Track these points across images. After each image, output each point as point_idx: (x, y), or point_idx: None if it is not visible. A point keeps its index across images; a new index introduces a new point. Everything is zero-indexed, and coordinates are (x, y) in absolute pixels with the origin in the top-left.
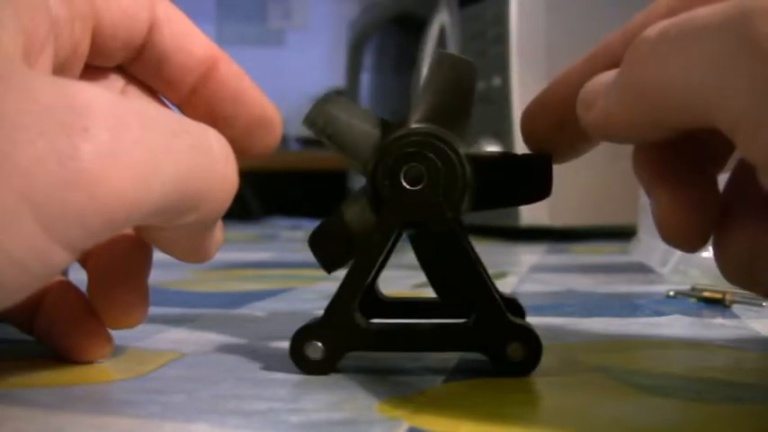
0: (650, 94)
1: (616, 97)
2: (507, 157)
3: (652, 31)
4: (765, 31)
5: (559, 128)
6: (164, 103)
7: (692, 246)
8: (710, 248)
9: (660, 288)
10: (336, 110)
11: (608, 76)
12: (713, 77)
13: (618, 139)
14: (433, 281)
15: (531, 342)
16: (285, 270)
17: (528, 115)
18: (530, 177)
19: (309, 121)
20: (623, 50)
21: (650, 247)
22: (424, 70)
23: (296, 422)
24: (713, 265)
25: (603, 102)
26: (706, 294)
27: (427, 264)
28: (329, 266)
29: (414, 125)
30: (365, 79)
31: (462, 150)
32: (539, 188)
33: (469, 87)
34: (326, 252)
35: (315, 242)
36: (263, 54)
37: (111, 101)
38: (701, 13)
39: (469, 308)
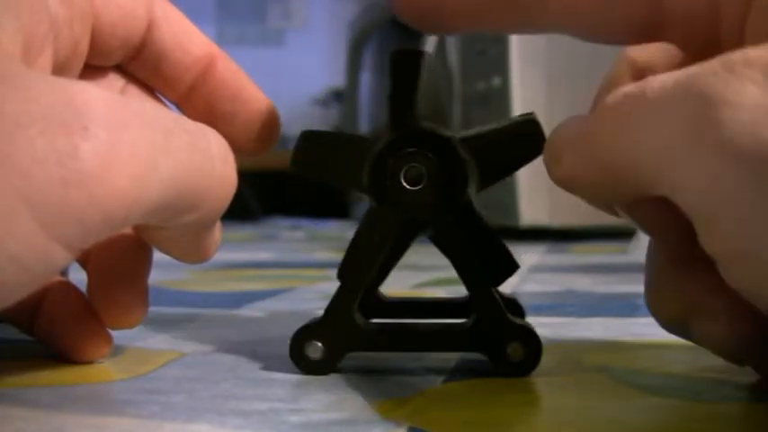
0: (610, 168)
1: (580, 161)
2: (498, 132)
3: (611, 98)
4: (732, 126)
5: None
6: (162, 102)
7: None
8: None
9: None
10: (313, 146)
11: (574, 125)
12: (668, 163)
13: (582, 197)
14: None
15: (531, 342)
16: (285, 270)
17: None
18: (523, 142)
19: (294, 165)
20: None
21: None
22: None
23: (296, 422)
24: None
25: (570, 160)
26: None
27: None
28: None
29: (406, 126)
30: (365, 79)
31: (455, 138)
32: (533, 148)
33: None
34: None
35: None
36: (263, 54)
37: (110, 100)
38: (653, 87)
39: (469, 308)
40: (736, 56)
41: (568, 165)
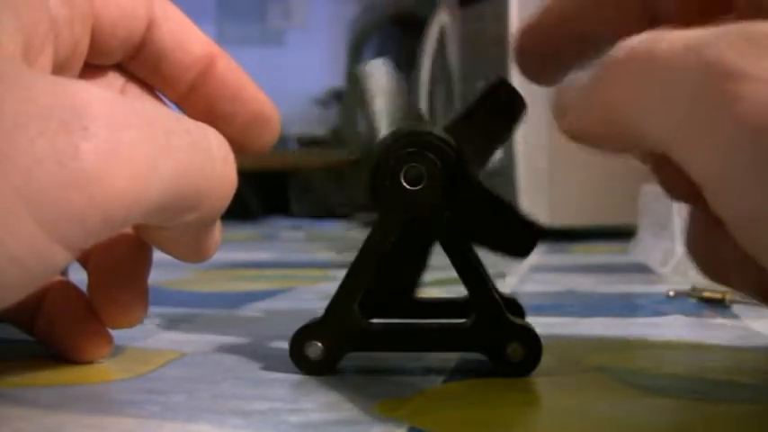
0: (616, 124)
1: (585, 113)
2: (507, 208)
3: (618, 53)
4: (750, 100)
5: (554, 57)
6: (162, 101)
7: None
8: None
9: (660, 288)
10: (381, 78)
11: (581, 79)
12: (674, 128)
13: (588, 147)
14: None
15: (531, 342)
16: (285, 270)
17: (520, 49)
18: (517, 236)
19: (358, 75)
20: None
21: (650, 247)
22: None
23: (296, 422)
24: None
25: (575, 112)
26: (706, 294)
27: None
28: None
29: (426, 128)
30: None
31: (464, 153)
32: (520, 249)
33: (513, 125)
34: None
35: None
36: (263, 54)
37: (110, 100)
38: (662, 48)
39: (469, 308)
40: (758, 27)
41: (574, 118)
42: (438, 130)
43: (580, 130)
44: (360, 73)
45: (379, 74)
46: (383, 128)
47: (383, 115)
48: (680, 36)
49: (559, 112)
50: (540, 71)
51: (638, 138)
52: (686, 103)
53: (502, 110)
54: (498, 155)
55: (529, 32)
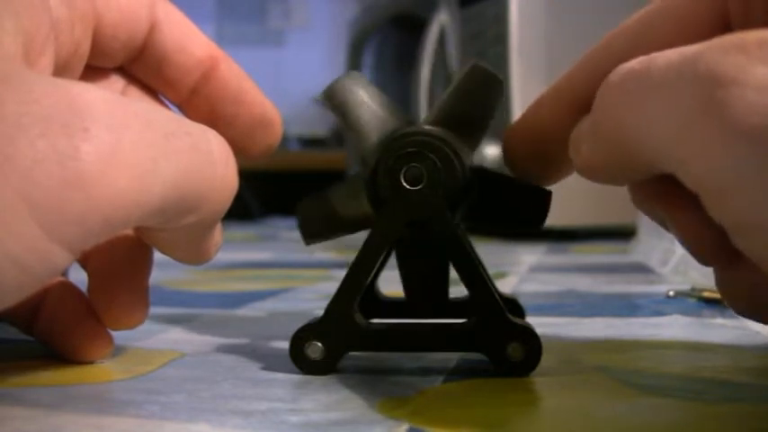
0: (619, 146)
1: (592, 146)
2: (510, 181)
3: (615, 77)
4: (741, 106)
5: (535, 159)
6: (164, 104)
7: (728, 260)
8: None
9: (660, 288)
10: (357, 88)
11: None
12: (674, 140)
13: (605, 183)
14: (407, 280)
15: (531, 342)
16: (285, 270)
17: (506, 147)
18: (528, 205)
19: (328, 94)
20: (586, 88)
21: (650, 247)
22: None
23: (296, 422)
24: None
25: (585, 148)
26: (706, 294)
27: (405, 263)
28: (308, 238)
29: (421, 126)
30: None
31: (465, 154)
32: (534, 217)
33: (493, 104)
34: (308, 224)
35: (301, 212)
36: (263, 54)
37: (111, 101)
38: (658, 64)
39: (469, 308)
40: (751, 36)
41: (585, 154)
42: (438, 130)
43: (591, 165)
44: (334, 88)
45: (356, 86)
46: (371, 137)
47: (370, 125)
48: (676, 51)
49: (574, 150)
50: (527, 172)
51: (640, 157)
52: (682, 113)
53: (480, 92)
54: (498, 154)
55: (510, 140)
